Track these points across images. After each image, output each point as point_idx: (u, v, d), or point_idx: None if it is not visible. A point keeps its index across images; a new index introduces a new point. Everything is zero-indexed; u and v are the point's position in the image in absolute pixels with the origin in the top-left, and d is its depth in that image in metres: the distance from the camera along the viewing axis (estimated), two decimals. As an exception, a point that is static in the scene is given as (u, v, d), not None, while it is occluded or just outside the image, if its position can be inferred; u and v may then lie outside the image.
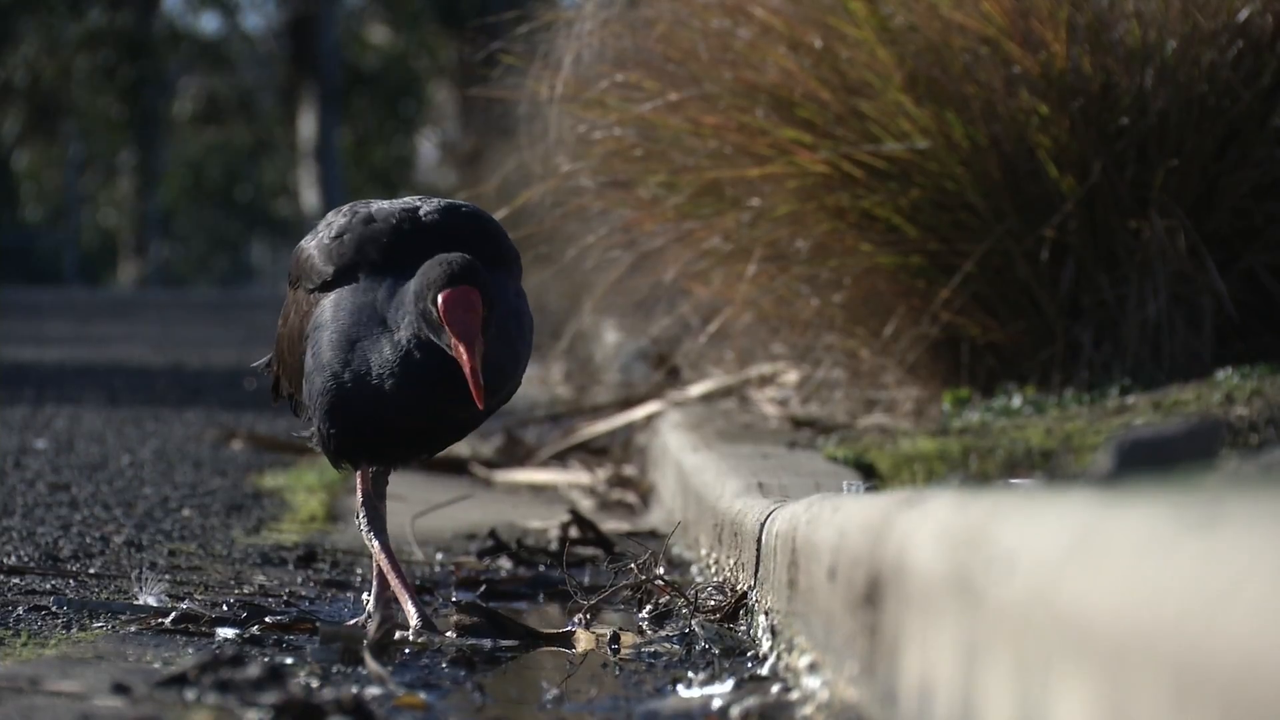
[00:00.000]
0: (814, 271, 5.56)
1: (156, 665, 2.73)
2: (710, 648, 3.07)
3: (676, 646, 3.12)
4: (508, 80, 6.25)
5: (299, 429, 3.43)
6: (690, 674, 2.83)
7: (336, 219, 3.29)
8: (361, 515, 3.30)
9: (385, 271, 3.20)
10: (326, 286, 3.24)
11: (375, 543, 3.27)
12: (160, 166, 37.85)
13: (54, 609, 3.22)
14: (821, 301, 5.64)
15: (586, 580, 4.12)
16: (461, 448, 6.37)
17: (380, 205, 3.27)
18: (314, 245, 3.28)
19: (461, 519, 5.03)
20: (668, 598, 3.44)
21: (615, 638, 3.19)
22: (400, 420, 3.19)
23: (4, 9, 34.44)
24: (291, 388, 3.34)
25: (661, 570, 3.47)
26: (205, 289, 36.07)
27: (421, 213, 3.23)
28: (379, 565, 3.28)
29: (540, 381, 9.46)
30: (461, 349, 3.02)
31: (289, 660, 2.87)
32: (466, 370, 3.01)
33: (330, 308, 3.22)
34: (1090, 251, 5.28)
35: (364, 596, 3.51)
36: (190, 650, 2.91)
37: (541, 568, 4.28)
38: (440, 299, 3.05)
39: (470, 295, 3.05)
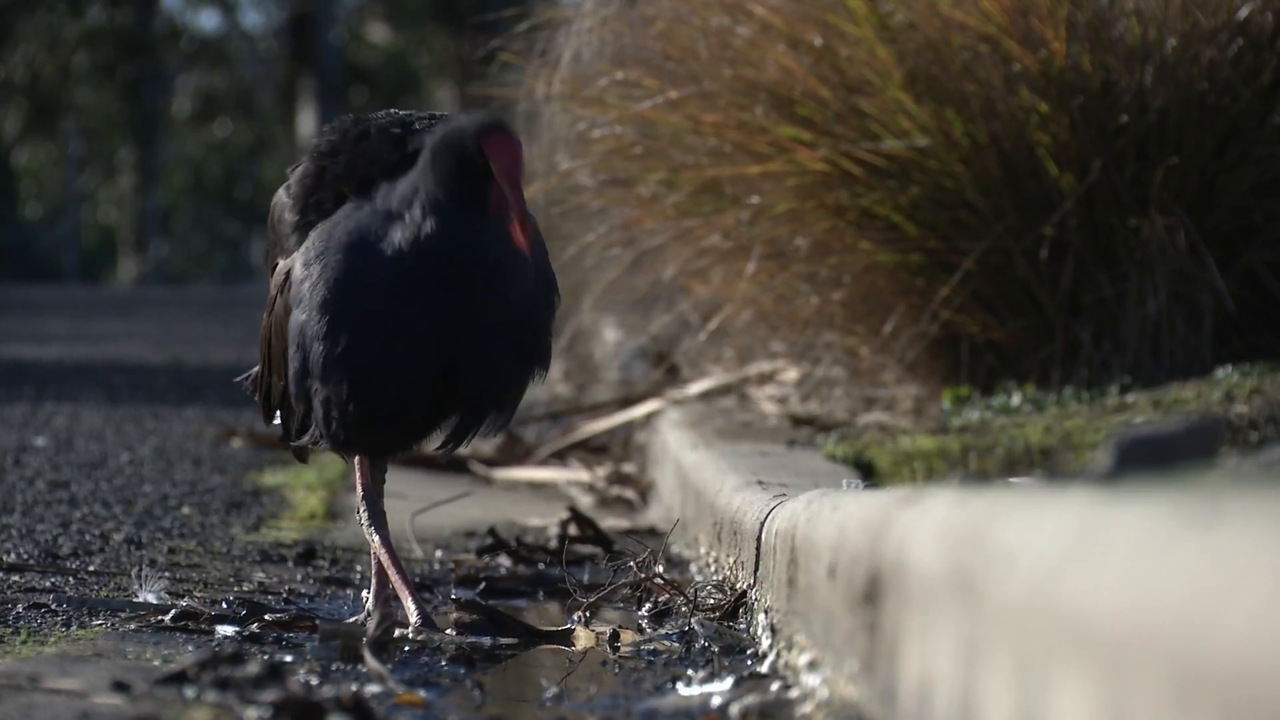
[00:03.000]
0: (813, 269, 5.56)
1: (156, 663, 2.73)
2: (710, 645, 3.06)
3: (676, 644, 3.12)
4: (507, 78, 6.25)
5: (299, 437, 3.15)
6: (690, 672, 2.83)
7: (313, 143, 3.08)
8: (362, 510, 3.26)
9: (375, 186, 2.97)
10: (307, 229, 3.03)
11: (376, 538, 3.24)
12: (160, 164, 37.87)
13: (53, 606, 3.22)
14: (821, 299, 5.64)
15: (586, 578, 4.12)
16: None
17: (366, 117, 3.04)
18: (282, 190, 3.09)
19: (461, 516, 5.03)
20: (667, 596, 3.44)
21: (615, 635, 3.19)
22: (419, 326, 2.88)
23: (4, 7, 34.44)
24: (282, 381, 3.10)
25: (661, 568, 3.47)
26: (205, 287, 36.04)
27: (414, 122, 3.01)
28: (379, 561, 3.26)
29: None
30: (508, 188, 2.72)
31: (288, 658, 2.86)
32: (514, 213, 2.72)
33: (315, 241, 2.97)
34: (1090, 249, 5.27)
35: (363, 594, 3.50)
36: (190, 648, 2.90)
37: (541, 565, 4.28)
38: (483, 139, 2.77)
39: (515, 140, 2.78)
